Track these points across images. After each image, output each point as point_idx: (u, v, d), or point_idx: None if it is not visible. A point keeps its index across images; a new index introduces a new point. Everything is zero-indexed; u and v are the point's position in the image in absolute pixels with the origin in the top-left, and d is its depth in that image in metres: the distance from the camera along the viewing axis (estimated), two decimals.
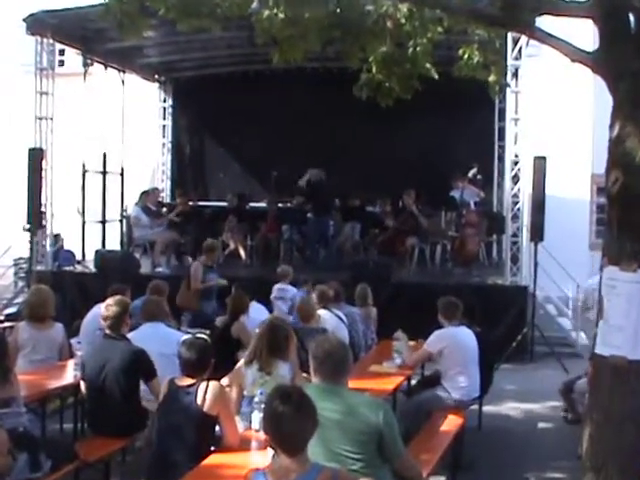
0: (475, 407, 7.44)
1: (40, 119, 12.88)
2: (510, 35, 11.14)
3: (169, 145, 17.78)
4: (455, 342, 6.86)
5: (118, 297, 6.19)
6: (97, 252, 12.90)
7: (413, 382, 7.74)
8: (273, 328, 5.61)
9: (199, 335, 5.32)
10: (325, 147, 15.23)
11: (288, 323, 6.25)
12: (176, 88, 17.55)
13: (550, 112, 14.81)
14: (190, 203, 14.78)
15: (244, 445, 4.75)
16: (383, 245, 13.62)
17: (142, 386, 5.74)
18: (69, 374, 6.43)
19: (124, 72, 15.47)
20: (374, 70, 8.92)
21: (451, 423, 6.45)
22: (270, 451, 3.61)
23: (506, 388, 9.37)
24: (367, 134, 15.56)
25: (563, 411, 8.27)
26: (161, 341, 6.21)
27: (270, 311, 9.17)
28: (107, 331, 5.89)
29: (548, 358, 10.99)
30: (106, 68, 14.78)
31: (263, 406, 3.59)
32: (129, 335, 6.04)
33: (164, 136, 17.69)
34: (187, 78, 17.02)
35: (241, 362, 5.59)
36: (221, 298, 9.26)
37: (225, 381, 5.42)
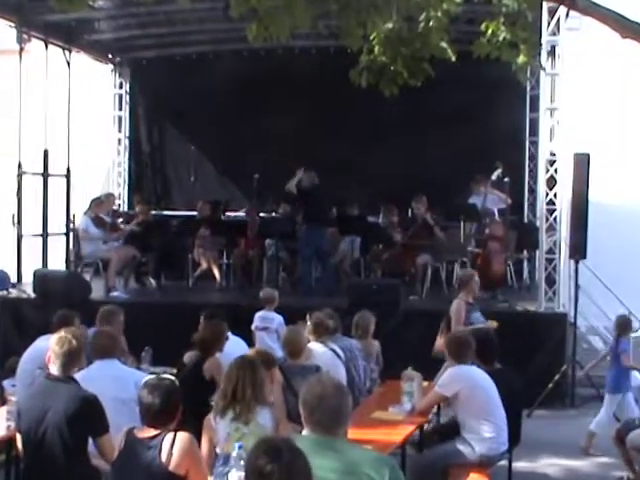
0: (503, 463, 7.45)
1: None
2: (546, 5, 11.20)
3: (126, 141, 17.82)
4: (474, 383, 6.89)
5: (72, 329, 6.18)
6: (36, 272, 12.85)
7: (426, 432, 7.74)
8: (252, 365, 5.65)
9: (164, 375, 5.33)
10: (318, 144, 15.29)
11: (270, 355, 6.31)
12: (134, 71, 17.62)
13: (594, 100, 14.89)
14: (152, 212, 14.80)
15: None
16: (389, 264, 13.64)
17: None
18: (1, 425, 6.41)
19: (70, 51, 15.42)
20: (376, 51, 8.97)
21: None
22: None
23: (542, 439, 9.34)
24: (368, 128, 15.62)
25: (626, 469, 8.12)
26: (116, 383, 6.21)
27: (250, 345, 9.17)
28: (52, 372, 5.85)
29: (594, 402, 10.95)
30: (47, 45, 14.72)
31: (244, 464, 3.59)
32: (76, 375, 6.01)
33: (120, 130, 17.74)
34: (148, 59, 17.11)
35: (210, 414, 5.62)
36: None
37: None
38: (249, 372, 5.60)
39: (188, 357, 7.84)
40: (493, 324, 9.64)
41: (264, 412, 5.55)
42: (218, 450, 5.48)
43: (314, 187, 13.36)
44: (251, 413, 5.47)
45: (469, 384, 6.88)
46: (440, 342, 9.23)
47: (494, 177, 13.15)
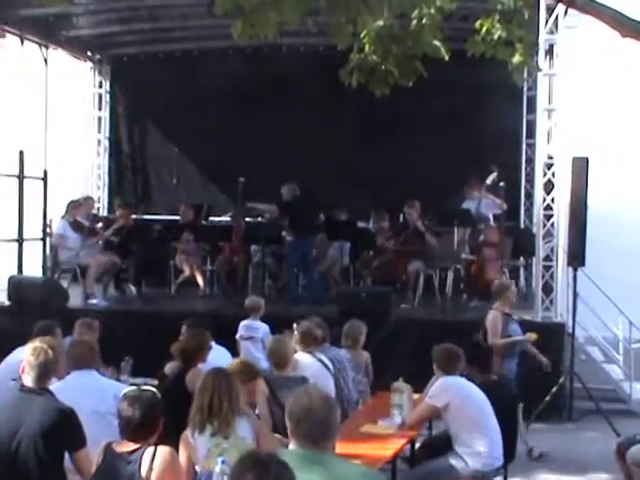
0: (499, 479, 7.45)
1: None
2: (543, 2, 11.22)
3: (106, 142, 17.80)
4: (465, 394, 6.90)
5: (47, 338, 6.15)
6: (11, 279, 12.81)
7: (417, 446, 7.74)
8: (227, 376, 5.66)
9: (144, 387, 5.31)
10: (306, 146, 15.29)
11: (253, 366, 6.31)
12: (115, 69, 17.61)
13: (594, 101, 14.94)
14: (133, 216, 14.76)
15: None
16: (379, 271, 13.63)
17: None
18: None
19: (47, 47, 15.39)
20: (367, 49, 9.00)
21: None
22: None
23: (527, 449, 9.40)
24: (358, 130, 15.63)
25: None
26: (94, 395, 6.18)
27: (234, 355, 9.16)
28: (27, 383, 5.81)
29: (592, 416, 11.00)
30: (23, 42, 14.69)
31: (227, 479, 3.58)
32: (52, 387, 5.98)
33: (99, 131, 17.71)
34: (129, 56, 17.10)
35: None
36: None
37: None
38: (224, 383, 5.60)
39: (170, 368, 7.81)
40: (532, 337, 9.65)
41: (242, 423, 5.55)
42: (198, 468, 5.45)
43: (295, 199, 13.44)
44: (230, 427, 5.46)
45: (460, 394, 6.89)
46: None
47: (489, 181, 13.17)
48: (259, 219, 14.95)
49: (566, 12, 11.34)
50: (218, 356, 8.05)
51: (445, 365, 7.05)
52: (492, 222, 13.11)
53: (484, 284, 12.62)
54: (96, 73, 17.59)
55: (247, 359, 7.06)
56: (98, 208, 16.92)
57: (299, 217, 13.46)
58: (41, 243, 14.83)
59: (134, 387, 5.39)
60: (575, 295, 11.50)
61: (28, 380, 5.73)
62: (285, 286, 14.09)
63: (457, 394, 6.88)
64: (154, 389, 5.27)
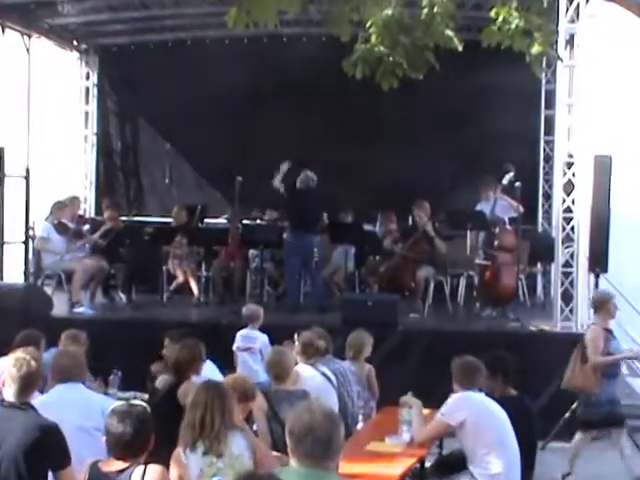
0: None
1: None
2: None
3: (93, 138, 17.80)
4: (483, 411, 6.88)
5: (30, 349, 6.14)
6: None
7: (428, 465, 7.73)
8: (220, 390, 5.65)
9: (134, 401, 5.31)
10: (309, 143, 15.29)
11: (249, 384, 6.29)
12: (103, 60, 17.61)
13: (617, 95, 14.92)
14: (122, 218, 14.76)
15: None
16: (386, 277, 13.63)
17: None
18: None
19: (29, 36, 15.43)
20: (373, 39, 8.97)
21: None
22: None
23: (558, 475, 9.37)
24: (364, 125, 15.63)
25: None
26: (81, 410, 6.17)
27: (230, 367, 9.15)
28: (7, 397, 5.80)
29: None
30: (3, 30, 14.68)
31: None
32: (35, 402, 5.98)
33: (87, 126, 17.72)
34: (118, 46, 17.11)
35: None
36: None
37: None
38: (218, 398, 5.59)
39: (161, 381, 7.83)
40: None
41: (236, 438, 5.54)
42: None
43: (308, 190, 13.29)
44: (223, 443, 5.45)
45: (477, 412, 6.86)
46: (573, 374, 9.25)
47: (505, 181, 13.11)
48: (257, 221, 14.95)
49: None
50: (213, 369, 8.06)
51: (463, 379, 7.03)
52: (508, 225, 13.07)
53: (499, 292, 12.66)
54: (83, 64, 17.57)
55: (243, 376, 7.00)
56: (84, 209, 16.91)
57: (304, 210, 13.28)
58: (23, 247, 14.79)
59: (123, 402, 5.39)
60: None
61: (9, 394, 5.70)
62: (285, 293, 14.07)
63: (474, 411, 6.85)
64: (144, 404, 5.27)
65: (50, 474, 5.55)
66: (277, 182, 13.28)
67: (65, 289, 13.29)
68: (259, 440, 5.97)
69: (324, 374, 7.93)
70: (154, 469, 4.84)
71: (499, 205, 13.14)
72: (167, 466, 5.25)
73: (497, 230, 12.98)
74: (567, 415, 10.77)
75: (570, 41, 11.84)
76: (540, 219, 15.98)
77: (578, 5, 11.49)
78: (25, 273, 14.67)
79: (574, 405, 10.85)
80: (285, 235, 13.71)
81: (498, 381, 7.39)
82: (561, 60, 11.56)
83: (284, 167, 13.30)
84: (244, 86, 15.57)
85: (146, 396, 7.44)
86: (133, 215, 16.01)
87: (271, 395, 6.99)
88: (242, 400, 6.26)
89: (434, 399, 7.43)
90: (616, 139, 13.75)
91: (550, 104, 14.95)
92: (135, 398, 6.05)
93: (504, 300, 12.81)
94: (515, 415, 6.97)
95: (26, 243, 14.70)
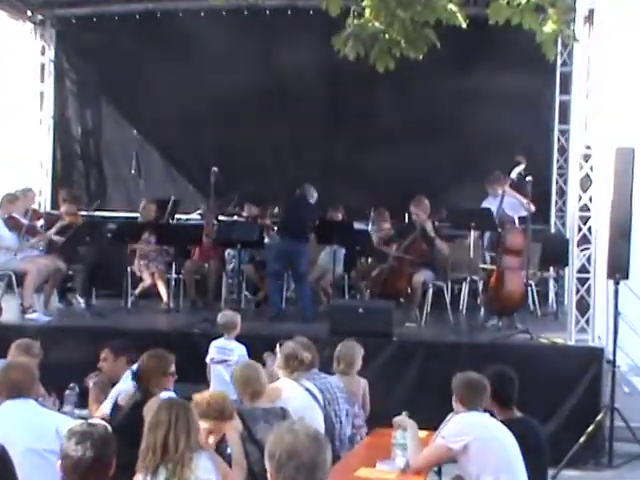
0: None
1: None
2: None
3: (50, 122, 17.76)
4: (489, 434, 6.85)
5: None
6: None
7: None
8: (184, 407, 5.64)
9: (94, 421, 5.29)
10: (292, 129, 15.28)
11: (228, 403, 6.27)
12: (61, 33, 17.54)
13: None
14: (82, 213, 14.71)
15: None
16: (380, 282, 13.63)
17: None
18: None
19: None
20: (367, 14, 8.98)
21: None
22: None
23: None
24: (357, 110, 15.65)
25: None
26: (31, 430, 6.13)
27: (203, 381, 9.14)
28: None
29: (637, 462, 10.99)
30: None
31: None
32: None
33: (42, 108, 17.67)
34: (78, 18, 17.03)
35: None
36: None
37: None
38: (182, 416, 5.57)
39: (124, 397, 7.80)
40: None
41: (202, 460, 5.51)
42: None
43: (306, 200, 13.48)
44: (187, 467, 5.41)
45: (483, 435, 6.83)
46: None
47: (514, 175, 13.12)
48: (235, 217, 14.94)
49: None
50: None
51: (466, 398, 7.01)
52: (517, 225, 13.07)
53: (505, 299, 12.65)
54: (38, 37, 17.48)
55: (221, 393, 6.96)
56: (39, 202, 16.86)
57: (292, 214, 13.51)
58: None
59: (81, 421, 5.36)
60: (616, 314, 11.47)
61: None
62: (266, 299, 14.07)
63: (479, 435, 6.81)
64: (105, 423, 5.25)
65: None
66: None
67: (16, 292, 13.24)
68: (239, 473, 5.94)
69: (309, 390, 7.91)
70: None
71: (507, 202, 13.13)
72: None
73: (504, 230, 12.98)
74: (582, 440, 10.78)
75: (589, 17, 11.82)
76: (553, 218, 15.98)
77: None
78: None
79: (591, 427, 10.85)
80: (266, 237, 13.79)
81: (501, 401, 7.37)
82: (577, 40, 11.57)
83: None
84: (221, 65, 15.56)
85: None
86: (94, 209, 15.91)
87: (246, 414, 6.96)
88: (218, 420, 6.25)
89: (432, 420, 7.44)
90: None
91: (566, 89, 14.99)
92: (94, 416, 6.01)
93: (511, 309, 12.81)
94: (522, 440, 6.96)
95: None
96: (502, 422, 7.06)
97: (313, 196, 13.57)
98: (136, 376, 7.38)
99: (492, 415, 7.14)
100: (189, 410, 5.67)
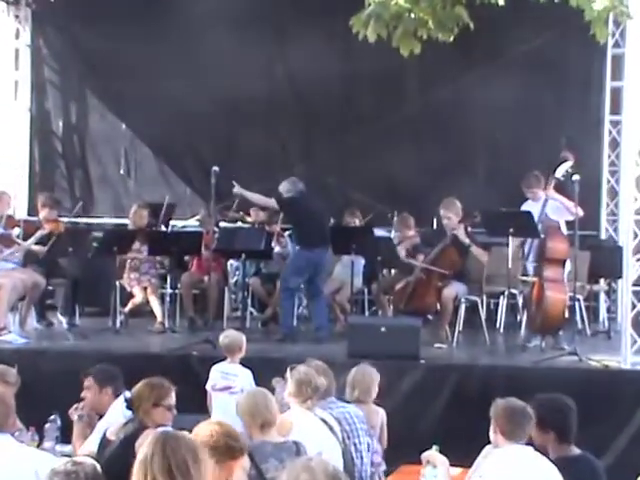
0: None
1: None
2: None
3: (26, 116, 17.78)
4: (534, 473, 6.82)
5: None
6: None
7: None
8: (186, 441, 5.56)
9: (79, 458, 5.26)
10: (300, 123, 15.30)
11: (239, 437, 6.19)
12: (38, 14, 17.50)
13: None
14: (64, 220, 14.73)
15: None
16: (405, 296, 13.62)
17: None
18: None
19: None
20: None
21: None
22: None
23: None
24: (376, 100, 15.69)
25: None
26: (8, 470, 6.13)
27: (203, 411, 9.13)
28: None
29: None
30: None
31: None
32: None
33: (16, 97, 17.67)
34: None
35: None
36: None
37: None
38: (180, 451, 5.46)
39: (115, 431, 7.77)
40: None
41: None
42: None
43: (300, 195, 13.35)
44: None
45: (527, 474, 6.79)
46: None
47: (560, 175, 13.00)
48: (239, 223, 14.95)
49: None
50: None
51: (507, 429, 6.95)
52: (563, 231, 13.00)
53: (549, 316, 12.58)
54: (11, 18, 17.41)
55: (228, 427, 6.84)
56: (13, 208, 16.85)
57: (306, 221, 13.41)
58: None
59: (65, 459, 5.33)
60: None
61: None
62: (274, 317, 14.06)
63: (523, 474, 6.79)
64: (93, 460, 5.22)
65: None
66: (264, 202, 13.51)
67: None
68: None
69: (324, 421, 7.89)
70: None
71: (551, 205, 13.01)
72: None
73: (547, 237, 12.91)
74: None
75: None
76: (604, 223, 15.96)
77: None
78: None
79: None
80: (276, 245, 13.80)
81: (558, 434, 7.29)
82: (631, 18, 11.53)
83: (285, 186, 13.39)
84: (224, 50, 15.57)
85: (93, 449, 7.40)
86: (78, 216, 15.98)
87: (254, 449, 6.93)
88: (227, 457, 6.12)
89: (465, 455, 7.41)
90: None
91: (618, 74, 14.95)
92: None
93: (556, 327, 12.77)
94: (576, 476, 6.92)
95: None
96: (557, 459, 7.00)
97: (302, 187, 13.51)
98: (129, 404, 7.36)
99: (537, 450, 7.09)
100: (191, 444, 5.51)
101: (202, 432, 5.83)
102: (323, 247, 13.46)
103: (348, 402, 8.71)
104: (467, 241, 13.16)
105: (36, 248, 13.74)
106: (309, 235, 13.40)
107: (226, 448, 5.83)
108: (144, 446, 5.27)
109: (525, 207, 13.30)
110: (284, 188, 13.38)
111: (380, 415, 9.05)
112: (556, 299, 12.57)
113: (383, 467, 8.74)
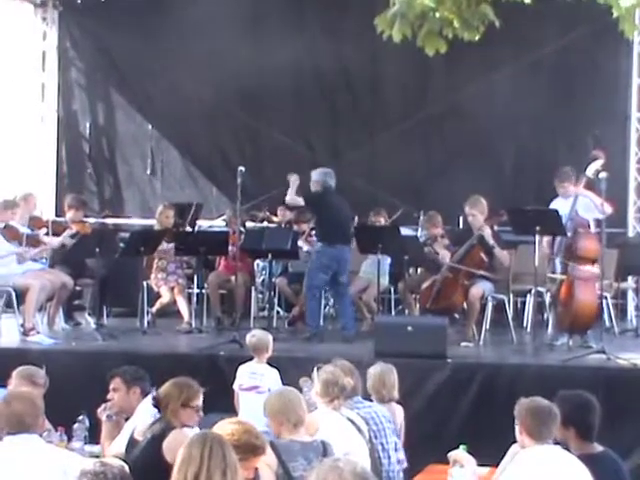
0: None
1: None
2: None
3: (53, 117, 17.85)
4: (562, 471, 6.80)
5: None
6: None
7: None
8: (220, 442, 5.57)
9: (108, 459, 5.28)
10: (327, 121, 15.29)
11: (260, 437, 6.20)
12: (65, 16, 17.62)
13: None
14: (91, 221, 14.77)
15: None
16: (431, 295, 13.59)
17: None
18: None
19: None
20: None
21: None
22: None
23: None
24: (399, 96, 15.68)
25: None
26: (36, 470, 6.15)
27: (231, 411, 9.15)
28: None
29: None
30: None
31: None
32: None
33: (43, 99, 17.75)
34: None
35: None
36: None
37: None
38: (217, 452, 5.50)
39: (142, 431, 7.79)
40: None
41: None
42: None
43: (325, 191, 13.32)
44: None
45: (556, 474, 6.77)
46: None
47: (590, 173, 12.90)
48: (266, 223, 14.95)
49: None
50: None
51: (534, 428, 6.92)
52: (592, 229, 12.94)
53: (577, 314, 12.54)
54: (39, 20, 17.54)
55: (251, 424, 6.87)
56: (41, 210, 16.90)
57: (331, 218, 13.35)
58: None
59: (94, 459, 5.35)
60: None
61: None
62: (301, 316, 14.07)
63: (551, 474, 6.77)
64: (121, 461, 5.24)
65: None
66: (292, 198, 13.32)
67: (16, 312, 13.28)
68: None
69: (351, 421, 7.89)
70: None
71: (581, 203, 12.95)
72: None
73: (577, 236, 12.85)
74: None
75: None
76: (631, 220, 15.89)
77: None
78: None
79: None
80: (302, 244, 13.78)
81: (580, 432, 7.27)
82: None
83: (293, 179, 13.28)
84: (249, 49, 15.57)
85: (122, 450, 7.41)
86: (105, 216, 16.02)
87: (281, 448, 6.93)
88: (249, 455, 6.15)
89: (493, 454, 7.39)
90: None
91: None
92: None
93: (584, 325, 12.72)
94: (601, 479, 6.89)
95: None
96: (578, 457, 6.98)
97: (332, 176, 13.42)
98: (157, 404, 7.36)
99: (565, 448, 7.06)
100: (226, 446, 5.57)
101: (223, 431, 5.89)
102: (345, 243, 13.45)
103: (370, 399, 8.72)
104: (491, 242, 13.11)
105: (68, 241, 13.65)
106: (330, 231, 13.36)
107: (248, 446, 5.91)
108: (194, 444, 5.37)
109: (555, 204, 13.22)
110: (315, 176, 13.36)
111: (399, 413, 9.03)
112: (587, 299, 12.53)
113: (404, 464, 8.72)
